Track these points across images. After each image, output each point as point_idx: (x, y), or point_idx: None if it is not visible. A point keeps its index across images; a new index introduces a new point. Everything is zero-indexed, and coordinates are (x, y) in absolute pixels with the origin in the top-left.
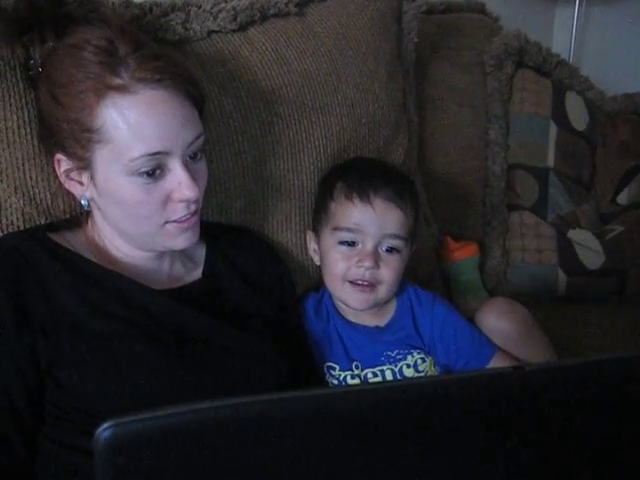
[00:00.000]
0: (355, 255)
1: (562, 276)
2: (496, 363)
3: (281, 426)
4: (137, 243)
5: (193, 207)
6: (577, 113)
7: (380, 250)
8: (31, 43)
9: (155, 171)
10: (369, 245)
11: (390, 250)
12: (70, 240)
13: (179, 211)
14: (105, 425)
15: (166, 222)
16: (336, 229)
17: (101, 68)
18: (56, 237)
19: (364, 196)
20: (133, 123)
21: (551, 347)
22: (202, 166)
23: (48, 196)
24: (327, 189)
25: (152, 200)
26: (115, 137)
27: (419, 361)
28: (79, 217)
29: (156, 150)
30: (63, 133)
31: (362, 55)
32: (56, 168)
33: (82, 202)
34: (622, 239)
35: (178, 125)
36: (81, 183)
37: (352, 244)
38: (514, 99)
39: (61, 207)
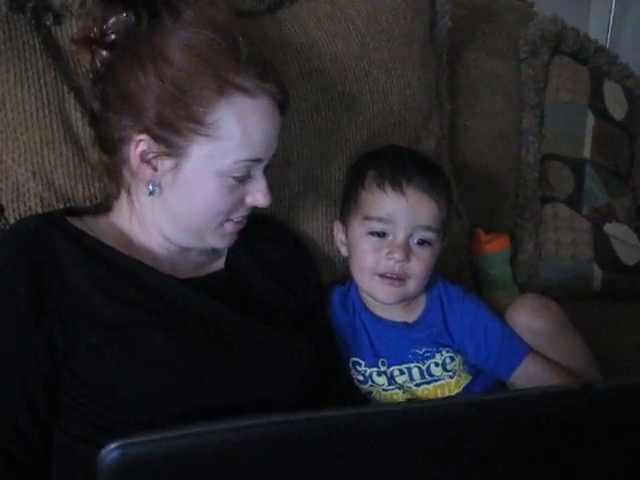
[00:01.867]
0: (385, 247)
1: (597, 271)
2: (528, 364)
3: (293, 448)
4: (185, 237)
5: (251, 209)
6: (615, 102)
7: (411, 242)
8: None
9: (245, 175)
10: (400, 236)
11: (422, 243)
12: (91, 226)
13: (242, 212)
14: (111, 446)
15: (226, 220)
16: (366, 219)
17: (227, 64)
18: (76, 222)
19: (397, 185)
20: (248, 127)
21: (586, 347)
22: (268, 173)
23: (67, 181)
24: (358, 177)
25: (229, 201)
26: (225, 136)
27: (448, 360)
28: (103, 203)
29: (259, 157)
30: (159, 116)
31: (394, 39)
32: (130, 148)
33: (150, 187)
34: None
35: (275, 135)
36: (155, 169)
37: (382, 235)
38: (550, 87)
39: (81, 193)
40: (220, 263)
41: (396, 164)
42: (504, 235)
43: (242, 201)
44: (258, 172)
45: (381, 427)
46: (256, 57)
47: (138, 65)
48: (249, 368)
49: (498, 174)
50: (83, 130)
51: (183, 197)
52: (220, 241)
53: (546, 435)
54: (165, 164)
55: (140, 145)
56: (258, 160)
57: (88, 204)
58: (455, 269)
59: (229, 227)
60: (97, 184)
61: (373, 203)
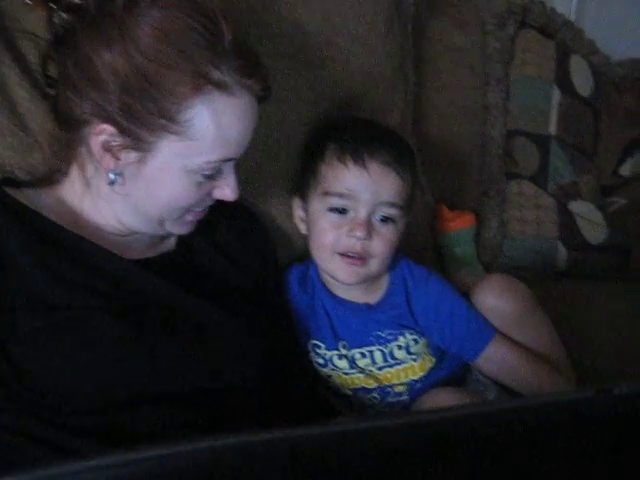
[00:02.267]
0: (346, 224)
1: (562, 250)
2: (494, 348)
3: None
4: (143, 225)
5: (215, 200)
6: (582, 78)
7: (374, 219)
8: None
9: (215, 173)
10: (362, 213)
11: (385, 220)
12: (32, 198)
13: (207, 203)
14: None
15: (188, 212)
16: (326, 194)
17: (204, 56)
18: (14, 193)
19: (359, 159)
20: (224, 128)
21: (553, 330)
22: None
23: (1, 151)
24: (317, 150)
25: (197, 196)
26: (198, 136)
27: (411, 343)
28: (46, 176)
29: (232, 156)
30: (125, 106)
31: (359, 5)
32: (91, 135)
33: (110, 176)
34: (625, 213)
35: (252, 131)
36: (117, 158)
37: (343, 212)
38: (515, 61)
39: (18, 164)
40: (171, 243)
41: (358, 136)
42: (469, 212)
43: (209, 194)
44: (230, 168)
45: (378, 443)
46: (240, 47)
47: (105, 43)
48: (205, 353)
49: (462, 150)
50: (22, 96)
51: (146, 190)
52: (180, 229)
53: (557, 447)
54: (129, 156)
55: (102, 135)
56: (231, 159)
57: (26, 177)
58: (418, 247)
59: (191, 216)
60: (37, 155)
61: (333, 178)
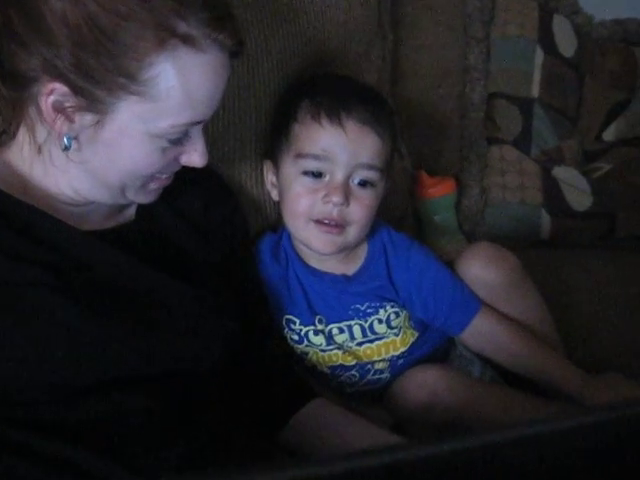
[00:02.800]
0: (322, 189)
1: (546, 217)
2: (480, 321)
3: None
4: (102, 194)
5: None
6: (565, 38)
7: (351, 183)
8: None
9: (182, 137)
10: (339, 176)
11: (363, 184)
12: None
13: (171, 169)
14: None
15: (152, 179)
16: (299, 156)
17: (168, 6)
18: None
19: (334, 117)
20: (191, 87)
21: (543, 302)
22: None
23: None
24: (289, 108)
25: (162, 162)
26: (163, 97)
27: (392, 316)
28: None
29: (201, 119)
30: (79, 63)
31: None
32: (41, 93)
33: (64, 141)
34: (610, 179)
35: (222, 91)
36: (71, 121)
37: (318, 175)
38: (497, 20)
39: None
40: (131, 212)
41: (334, 93)
42: (449, 178)
43: (175, 160)
44: (198, 132)
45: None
46: None
47: None
48: (165, 332)
49: (442, 113)
50: None
51: (105, 157)
52: (143, 197)
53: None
54: (85, 119)
55: (53, 95)
56: (200, 122)
57: None
58: (397, 215)
59: (155, 184)
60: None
61: (307, 138)
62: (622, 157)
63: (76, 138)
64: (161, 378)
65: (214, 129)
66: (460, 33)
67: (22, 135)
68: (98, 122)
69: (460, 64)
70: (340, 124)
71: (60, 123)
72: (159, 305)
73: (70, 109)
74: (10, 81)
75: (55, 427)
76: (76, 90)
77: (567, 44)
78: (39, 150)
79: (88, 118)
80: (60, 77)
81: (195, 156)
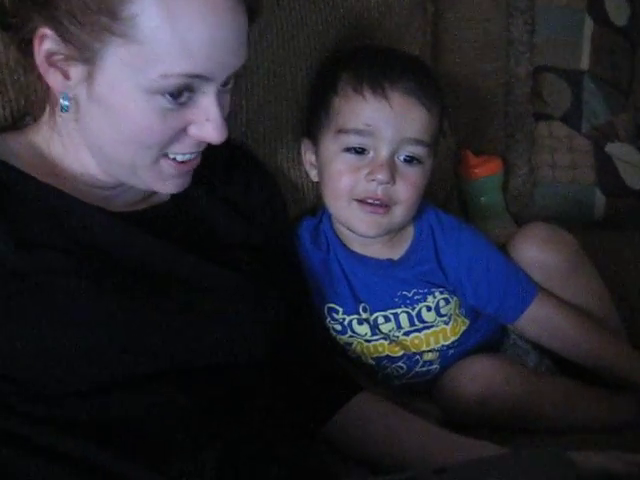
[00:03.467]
0: (365, 166)
1: (600, 197)
2: (538, 307)
3: None
4: (116, 170)
5: (203, 146)
6: (616, 5)
7: (397, 160)
8: None
9: (182, 94)
10: (384, 152)
11: (410, 160)
12: None
13: (186, 146)
14: None
15: (163, 156)
16: (340, 132)
17: None
18: None
19: (378, 88)
20: (182, 28)
21: (603, 285)
22: (228, 97)
23: None
24: (328, 82)
25: (164, 129)
26: (149, 39)
27: (442, 302)
28: (17, 119)
29: (200, 72)
30: (67, 3)
31: None
32: (35, 44)
33: (61, 101)
34: None
35: (233, 45)
36: (66, 76)
37: (361, 152)
38: None
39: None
40: (164, 195)
41: (376, 63)
42: (495, 157)
43: (184, 132)
44: (209, 95)
45: None
46: None
47: None
48: (203, 321)
49: (486, 89)
50: None
51: (105, 120)
52: (162, 185)
53: None
54: (77, 72)
55: (45, 43)
56: (202, 77)
57: None
58: (441, 197)
59: (169, 167)
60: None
61: (349, 112)
62: None
63: (74, 98)
64: (198, 371)
65: (248, 108)
66: (502, 4)
67: (44, 115)
68: (89, 75)
69: (503, 37)
70: (384, 96)
71: (55, 78)
72: (195, 292)
73: (61, 60)
74: (19, 44)
75: (82, 426)
76: (64, 36)
77: (619, 12)
78: (53, 118)
79: (79, 70)
80: (49, 22)
81: (207, 127)
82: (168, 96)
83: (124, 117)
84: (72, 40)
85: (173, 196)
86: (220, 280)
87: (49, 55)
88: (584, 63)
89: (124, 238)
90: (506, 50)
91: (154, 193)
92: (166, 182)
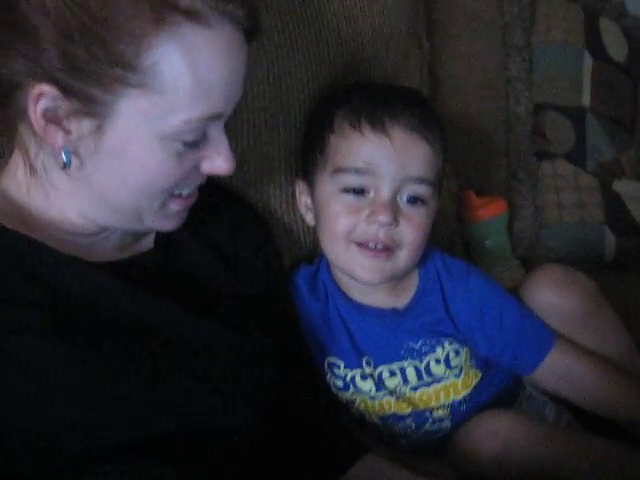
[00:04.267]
0: (365, 207)
1: (610, 237)
2: (556, 356)
3: None
4: (116, 220)
5: (206, 178)
6: (615, 42)
7: (400, 200)
8: None
9: (200, 138)
10: (385, 192)
11: (413, 200)
12: None
13: (193, 182)
14: None
15: (171, 197)
16: (338, 171)
17: None
18: None
19: (377, 123)
20: (203, 71)
21: (624, 330)
22: None
23: None
24: (323, 119)
25: (179, 172)
26: (169, 87)
27: (451, 354)
28: None
29: (218, 112)
30: (67, 57)
31: None
32: (29, 102)
33: (63, 157)
34: None
35: (241, 80)
36: (68, 131)
37: (361, 192)
38: (538, 26)
39: None
40: (149, 241)
41: (375, 98)
42: (499, 198)
43: (196, 169)
44: (219, 131)
45: None
46: None
47: None
48: (192, 383)
49: (486, 128)
50: None
51: (112, 171)
52: (164, 223)
53: None
54: (82, 126)
55: (42, 100)
56: (218, 116)
57: None
58: (444, 242)
59: (176, 205)
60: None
61: (346, 150)
62: None
63: (76, 152)
64: (187, 438)
65: (238, 149)
66: (499, 41)
67: (15, 157)
68: (98, 129)
69: (501, 75)
70: (384, 131)
71: (54, 135)
72: (184, 350)
73: (64, 116)
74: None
75: None
76: (67, 91)
77: (617, 48)
78: (33, 172)
79: (86, 125)
80: (47, 78)
81: (219, 161)
82: (185, 142)
83: (137, 167)
84: (77, 95)
85: (157, 244)
86: (211, 337)
87: (48, 113)
88: (585, 99)
89: (104, 291)
90: (505, 88)
91: (137, 240)
92: (170, 220)
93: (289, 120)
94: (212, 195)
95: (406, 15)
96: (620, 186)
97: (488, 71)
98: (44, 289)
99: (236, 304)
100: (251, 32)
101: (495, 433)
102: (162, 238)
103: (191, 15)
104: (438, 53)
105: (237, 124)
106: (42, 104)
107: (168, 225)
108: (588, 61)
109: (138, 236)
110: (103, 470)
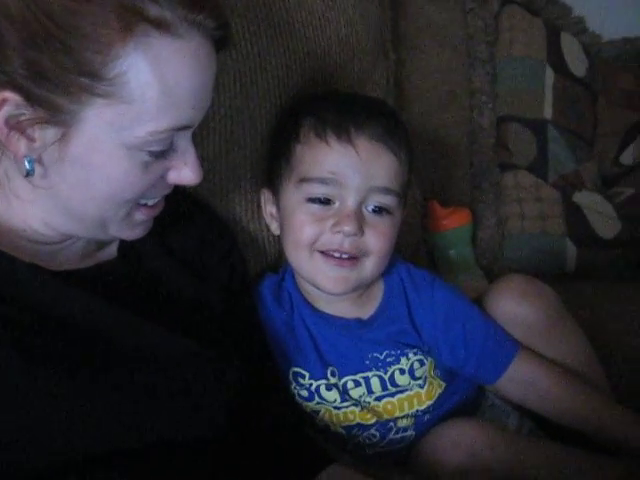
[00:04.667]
0: (330, 217)
1: (571, 248)
2: (518, 366)
3: None
4: (80, 229)
5: (172, 187)
6: (575, 57)
7: (365, 210)
8: None
9: (166, 148)
10: (350, 202)
11: (379, 211)
12: None
13: (159, 191)
14: None
15: (137, 206)
16: (303, 181)
17: None
18: None
19: (343, 133)
20: (170, 82)
21: (586, 340)
22: None
23: None
24: (289, 128)
25: (144, 181)
26: (136, 97)
27: (416, 364)
28: None
29: (187, 123)
30: (31, 64)
31: None
32: None
33: (26, 165)
34: (636, 203)
35: (210, 90)
36: (32, 139)
37: (326, 202)
38: (501, 40)
39: None
40: (112, 250)
41: (340, 107)
42: (464, 208)
43: (162, 178)
44: (186, 141)
45: None
46: None
47: None
48: (156, 396)
49: (450, 139)
50: None
51: (76, 180)
52: (129, 232)
53: None
54: (47, 134)
55: (5, 107)
56: (185, 127)
57: None
58: (409, 252)
59: (142, 214)
60: None
61: (312, 160)
62: None
63: (39, 161)
64: (151, 452)
65: (204, 157)
66: (463, 54)
67: None
68: (63, 137)
69: (466, 87)
70: (350, 141)
71: (17, 143)
72: (147, 362)
73: (27, 124)
74: None
75: None
76: (31, 98)
77: (577, 63)
78: None
79: (50, 133)
80: (11, 85)
81: (186, 171)
82: (151, 153)
83: (102, 176)
84: (42, 103)
85: (121, 252)
86: (175, 348)
87: (10, 120)
88: (547, 112)
89: (65, 301)
90: (469, 100)
91: (100, 248)
92: (135, 229)
93: (255, 129)
94: (178, 204)
95: (373, 26)
96: (580, 198)
97: (453, 83)
98: (1, 298)
99: (201, 313)
100: (220, 42)
101: (458, 442)
102: (126, 247)
103: (160, 25)
104: (404, 64)
105: (203, 133)
106: (5, 111)
107: (133, 234)
108: (550, 75)
109: (101, 244)
110: None
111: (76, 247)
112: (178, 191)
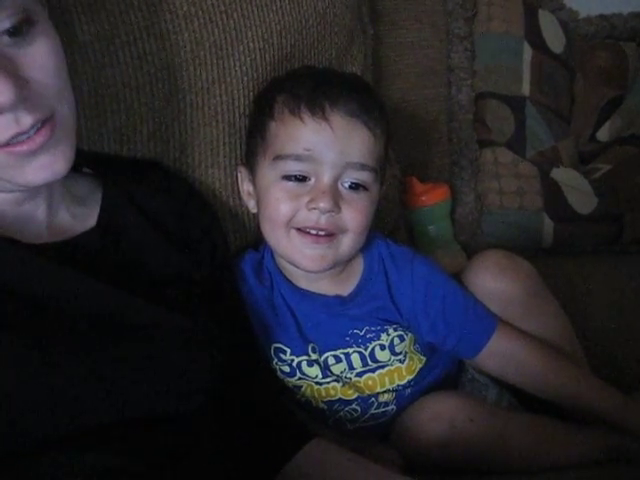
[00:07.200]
0: (306, 194)
1: (548, 223)
2: (498, 340)
3: None
4: None
5: (29, 119)
6: (553, 34)
7: (341, 186)
8: None
9: None
10: (326, 179)
11: (355, 187)
12: None
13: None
14: None
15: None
16: (278, 158)
17: None
18: None
19: (317, 110)
20: None
21: (564, 314)
22: (38, 48)
23: None
24: (263, 105)
25: None
26: None
27: (396, 340)
28: None
29: None
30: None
31: None
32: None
33: None
34: (613, 179)
35: None
36: None
37: (302, 179)
38: (480, 16)
39: None
40: (91, 221)
41: (315, 83)
42: (442, 184)
43: None
44: None
45: None
46: None
47: None
48: (138, 370)
49: (428, 115)
50: None
51: None
52: (23, 175)
53: None
54: None
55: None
56: None
57: None
58: (388, 228)
59: (11, 152)
60: None
61: (286, 136)
62: (620, 157)
63: None
64: (133, 428)
65: (181, 131)
66: (442, 30)
67: None
68: None
69: (445, 63)
70: (324, 117)
71: None
72: (129, 336)
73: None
74: None
75: None
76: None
77: (555, 40)
78: None
79: None
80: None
81: None
82: None
83: None
84: None
85: (100, 223)
86: (158, 321)
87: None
88: (525, 89)
89: (38, 272)
90: (447, 76)
91: (75, 220)
92: (25, 169)
93: (232, 103)
94: (158, 178)
95: (351, 1)
96: (558, 174)
97: (431, 59)
98: None
99: (183, 287)
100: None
101: (439, 415)
102: (105, 216)
103: None
104: (382, 40)
105: (179, 105)
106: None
107: (32, 177)
108: (528, 51)
109: (76, 215)
110: (45, 461)
111: (38, 217)
112: (158, 166)
